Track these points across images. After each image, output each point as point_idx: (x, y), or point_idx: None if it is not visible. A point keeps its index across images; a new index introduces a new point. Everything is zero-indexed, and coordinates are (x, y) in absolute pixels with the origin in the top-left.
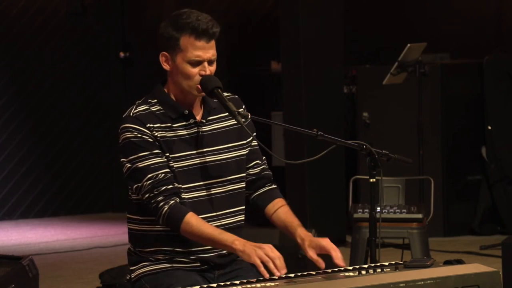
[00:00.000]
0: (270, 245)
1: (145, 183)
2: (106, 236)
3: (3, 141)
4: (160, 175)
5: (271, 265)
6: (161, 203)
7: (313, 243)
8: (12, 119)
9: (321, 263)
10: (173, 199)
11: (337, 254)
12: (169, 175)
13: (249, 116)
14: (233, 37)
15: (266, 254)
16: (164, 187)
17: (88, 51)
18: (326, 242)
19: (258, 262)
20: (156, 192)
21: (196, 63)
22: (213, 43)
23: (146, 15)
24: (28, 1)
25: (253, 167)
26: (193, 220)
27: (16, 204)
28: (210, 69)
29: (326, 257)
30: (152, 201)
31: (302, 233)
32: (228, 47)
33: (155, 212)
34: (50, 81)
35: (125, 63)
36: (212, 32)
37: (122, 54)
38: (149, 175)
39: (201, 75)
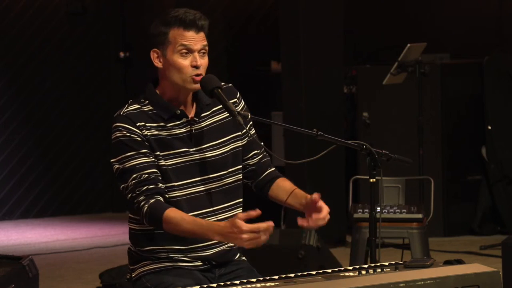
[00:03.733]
0: (236, 224)
1: (130, 183)
2: (106, 236)
3: (3, 141)
4: (144, 175)
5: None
6: (142, 203)
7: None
8: (12, 119)
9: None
10: (154, 198)
11: (318, 215)
12: (153, 176)
13: (249, 117)
14: (233, 37)
15: (250, 238)
16: (145, 187)
17: (88, 51)
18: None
19: (250, 245)
20: (138, 192)
21: (186, 53)
22: (202, 35)
23: (146, 15)
24: (28, 1)
25: (252, 157)
26: (171, 216)
27: (16, 204)
28: (202, 62)
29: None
30: (135, 201)
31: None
32: (228, 47)
33: (137, 213)
34: (50, 81)
35: (125, 63)
36: (201, 24)
37: (122, 54)
38: (134, 175)
39: (193, 66)
